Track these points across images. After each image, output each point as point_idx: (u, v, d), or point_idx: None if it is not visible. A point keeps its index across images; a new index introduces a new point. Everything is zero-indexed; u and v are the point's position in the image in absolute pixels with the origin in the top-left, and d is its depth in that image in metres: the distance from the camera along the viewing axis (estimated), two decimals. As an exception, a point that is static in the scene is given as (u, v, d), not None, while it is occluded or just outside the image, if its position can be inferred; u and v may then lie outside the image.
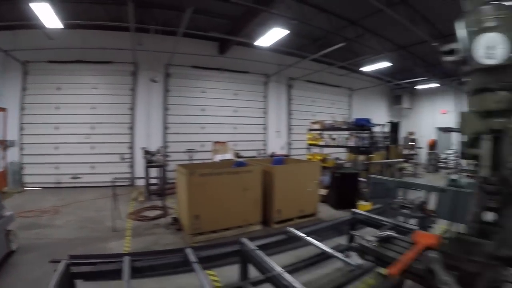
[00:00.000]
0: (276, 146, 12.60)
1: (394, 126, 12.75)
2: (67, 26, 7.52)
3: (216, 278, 3.41)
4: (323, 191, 7.28)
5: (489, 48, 1.43)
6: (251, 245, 2.69)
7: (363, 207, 5.64)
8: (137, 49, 9.16)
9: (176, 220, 5.55)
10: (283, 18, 7.61)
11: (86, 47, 9.08)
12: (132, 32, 7.81)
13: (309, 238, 2.96)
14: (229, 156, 9.74)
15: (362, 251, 2.28)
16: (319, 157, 9.01)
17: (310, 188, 5.94)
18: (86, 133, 9.56)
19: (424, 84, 14.97)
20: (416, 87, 15.85)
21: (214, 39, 10.35)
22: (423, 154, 15.50)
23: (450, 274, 1.45)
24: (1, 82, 8.83)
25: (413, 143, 15.85)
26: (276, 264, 2.30)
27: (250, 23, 8.54)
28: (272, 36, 8.08)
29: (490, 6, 1.48)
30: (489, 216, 1.80)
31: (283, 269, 2.17)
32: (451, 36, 2.03)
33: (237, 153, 10.57)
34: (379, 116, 16.77)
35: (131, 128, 10.04)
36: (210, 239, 4.77)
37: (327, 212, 6.46)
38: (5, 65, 8.76)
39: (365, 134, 8.08)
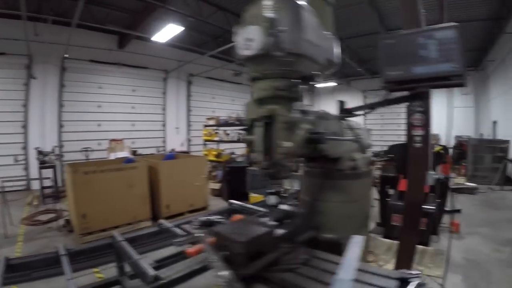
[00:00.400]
0: (176, 142, 13.10)
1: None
2: None
3: (100, 275, 3.50)
4: (217, 185, 8.35)
5: (247, 40, 1.51)
6: (120, 237, 2.71)
7: (254, 199, 6.42)
8: (31, 40, 8.35)
9: (68, 222, 5.71)
10: (180, 15, 8.08)
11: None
12: (24, 21, 7.10)
13: (176, 229, 2.97)
14: (125, 154, 10.08)
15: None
16: (214, 153, 9.68)
17: (198, 183, 6.72)
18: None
19: (324, 82, 17.29)
20: (316, 85, 18.13)
21: (114, 33, 10.20)
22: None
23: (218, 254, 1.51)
24: None
25: None
26: (135, 252, 2.33)
27: (148, 18, 8.85)
28: (168, 31, 8.55)
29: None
30: (272, 200, 1.92)
31: (140, 256, 2.25)
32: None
33: (134, 151, 10.94)
34: None
35: (25, 126, 9.31)
36: (100, 238, 4.79)
37: (219, 205, 6.91)
38: None
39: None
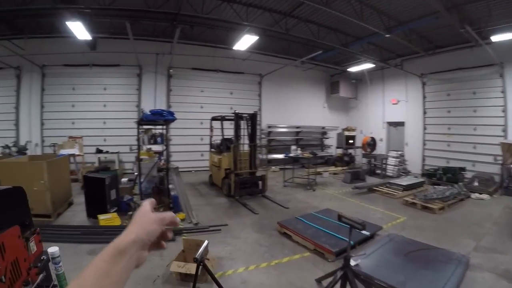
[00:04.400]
0: None
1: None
2: None
3: None
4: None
5: None
6: None
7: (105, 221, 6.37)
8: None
9: None
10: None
11: None
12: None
13: None
14: (74, 151, 11.19)
15: None
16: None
17: (37, 188, 6.85)
18: None
19: (358, 64, 13.78)
20: (349, 69, 14.67)
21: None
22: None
23: None
24: None
25: (352, 141, 14.97)
26: None
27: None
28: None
29: None
30: None
31: None
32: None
33: (97, 148, 11.94)
34: (312, 107, 16.18)
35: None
36: None
37: (75, 219, 7.06)
38: None
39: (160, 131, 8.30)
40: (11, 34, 10.71)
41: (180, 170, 12.87)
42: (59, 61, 12.02)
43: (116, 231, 6.23)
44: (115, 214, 6.86)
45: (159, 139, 8.23)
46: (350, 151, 15.14)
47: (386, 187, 9.67)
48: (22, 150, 10.40)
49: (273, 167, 14.07)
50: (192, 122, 13.53)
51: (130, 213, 7.06)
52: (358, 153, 15.18)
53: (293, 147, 11.10)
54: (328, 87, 17.04)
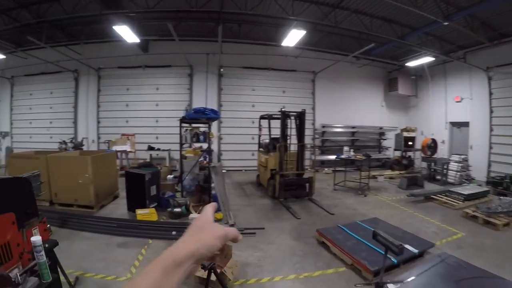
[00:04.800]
0: None
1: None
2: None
3: None
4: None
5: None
6: None
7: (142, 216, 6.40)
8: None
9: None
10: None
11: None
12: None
13: None
14: (126, 147, 11.68)
15: None
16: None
17: (82, 180, 7.18)
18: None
19: (417, 58, 12.21)
20: (407, 64, 13.04)
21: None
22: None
23: None
24: None
25: (411, 143, 13.38)
26: None
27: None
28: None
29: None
30: None
31: None
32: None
33: (149, 145, 12.35)
34: (368, 106, 14.95)
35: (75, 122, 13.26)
36: None
37: (116, 211, 7.24)
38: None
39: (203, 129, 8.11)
40: (67, 41, 11.71)
41: (230, 169, 12.94)
42: (113, 64, 12.86)
43: (150, 226, 6.09)
44: (153, 210, 6.77)
45: (201, 137, 8.04)
46: (409, 153, 13.64)
47: (445, 195, 8.25)
48: (78, 146, 11.21)
49: (325, 169, 13.13)
50: (244, 121, 13.32)
51: (169, 209, 6.97)
52: (418, 156, 13.48)
53: (346, 148, 10.05)
54: (386, 84, 15.49)
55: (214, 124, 13.04)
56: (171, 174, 9.86)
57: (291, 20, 9.11)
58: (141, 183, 7.06)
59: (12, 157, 7.93)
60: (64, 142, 11.08)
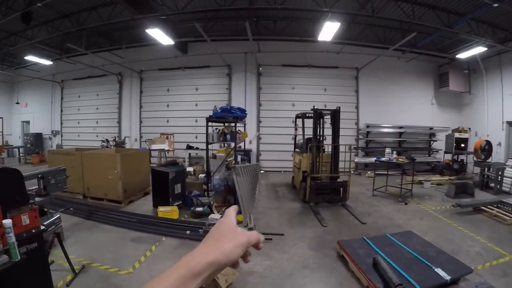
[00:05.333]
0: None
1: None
2: None
3: None
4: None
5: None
6: None
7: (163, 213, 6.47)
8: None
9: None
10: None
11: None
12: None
13: None
14: (164, 146, 11.98)
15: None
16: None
17: (111, 176, 7.47)
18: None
19: (467, 49, 10.60)
20: (458, 56, 11.34)
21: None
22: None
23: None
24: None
25: (463, 145, 11.75)
26: None
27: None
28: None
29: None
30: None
31: None
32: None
33: (188, 144, 12.56)
34: (417, 104, 13.54)
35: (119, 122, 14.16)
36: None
37: (142, 207, 7.36)
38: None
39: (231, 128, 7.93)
40: (109, 46, 12.47)
41: (269, 170, 12.78)
42: (154, 66, 13.48)
43: (167, 224, 5.99)
44: (175, 208, 6.73)
45: (228, 137, 7.84)
46: (461, 157, 11.93)
47: (497, 207, 6.82)
48: (119, 144, 11.86)
49: (368, 172, 12.11)
50: (283, 120, 12.91)
51: (192, 208, 6.89)
52: (471, 160, 11.70)
53: (387, 150, 9.01)
54: (436, 80, 13.73)
55: (253, 124, 12.96)
56: (202, 174, 9.84)
57: (325, 12, 8.51)
58: (165, 181, 7.10)
59: (51, 153, 8.62)
60: (107, 141, 11.80)
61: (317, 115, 8.08)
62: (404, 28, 10.12)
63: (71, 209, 6.97)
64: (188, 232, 5.56)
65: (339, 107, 8.09)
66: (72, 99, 15.52)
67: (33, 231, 3.00)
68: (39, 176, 5.47)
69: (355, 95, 13.32)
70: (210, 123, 7.80)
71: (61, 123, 15.85)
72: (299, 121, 9.60)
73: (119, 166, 7.40)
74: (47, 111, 16.27)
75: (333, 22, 8.21)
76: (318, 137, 8.24)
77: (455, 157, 11.81)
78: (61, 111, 15.84)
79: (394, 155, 8.64)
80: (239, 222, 6.23)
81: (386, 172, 9.11)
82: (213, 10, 9.03)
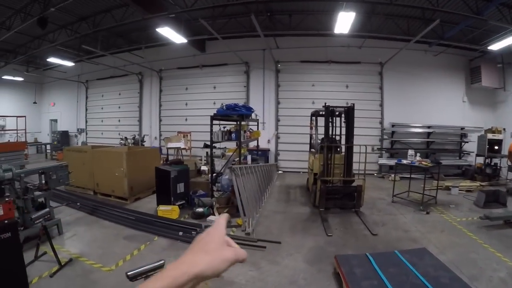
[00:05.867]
0: (262, 138, 12.54)
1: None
2: None
3: None
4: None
5: None
6: None
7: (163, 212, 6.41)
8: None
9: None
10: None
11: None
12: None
13: None
14: (180, 144, 12.04)
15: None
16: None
17: (118, 173, 7.56)
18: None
19: (500, 39, 9.44)
20: (490, 47, 10.12)
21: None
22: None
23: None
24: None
25: (497, 148, 10.60)
26: None
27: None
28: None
29: None
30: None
31: None
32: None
33: (205, 143, 12.53)
34: (447, 102, 12.44)
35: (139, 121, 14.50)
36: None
37: (147, 205, 7.37)
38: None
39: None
40: (128, 46, 12.80)
41: (287, 170, 12.50)
42: (173, 65, 13.74)
43: (163, 223, 5.87)
44: (175, 207, 6.65)
45: (233, 135, 7.65)
46: (494, 160, 10.68)
47: None
48: (138, 142, 12.17)
49: (391, 176, 11.31)
50: (303, 119, 12.30)
51: (194, 208, 6.78)
52: (505, 165, 10.39)
53: (410, 152, 8.25)
54: (467, 75, 12.46)
55: (271, 123, 12.69)
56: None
57: (339, 2, 8.01)
58: (167, 179, 7.05)
59: (66, 150, 9.07)
60: (125, 139, 12.15)
61: (329, 112, 7.59)
62: (427, 17, 9.26)
63: (78, 204, 7.20)
64: (180, 233, 5.43)
65: (353, 104, 7.57)
66: (96, 98, 16.39)
67: (6, 221, 3.32)
68: (40, 171, 5.67)
69: (379, 92, 12.49)
70: (218, 121, 7.69)
71: (86, 122, 16.76)
72: (314, 119, 9.12)
73: (125, 163, 7.51)
74: (73, 110, 17.34)
75: (348, 12, 7.71)
76: (331, 136, 7.77)
77: (488, 160, 10.62)
78: (86, 110, 16.78)
79: (417, 158, 7.89)
80: (237, 226, 5.99)
81: (410, 176, 8.41)
82: (221, 6, 8.86)
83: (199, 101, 13.68)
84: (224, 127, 8.18)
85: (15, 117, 14.90)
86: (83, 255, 4.57)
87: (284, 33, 11.23)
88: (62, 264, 4.15)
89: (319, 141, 8.43)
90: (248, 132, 9.07)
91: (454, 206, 7.52)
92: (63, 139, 16.35)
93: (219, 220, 0.69)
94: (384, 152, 12.17)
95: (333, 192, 7.27)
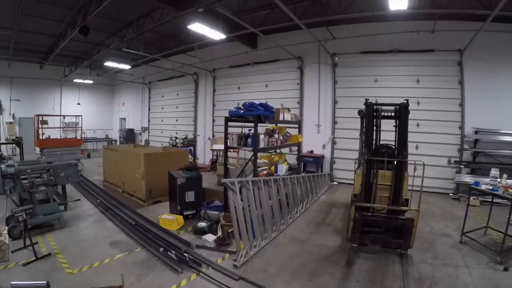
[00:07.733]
0: (316, 143, 11.64)
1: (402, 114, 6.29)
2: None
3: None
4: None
5: None
6: None
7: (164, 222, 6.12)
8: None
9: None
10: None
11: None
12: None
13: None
14: (222, 146, 11.99)
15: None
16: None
17: (137, 175, 7.66)
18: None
19: None
20: None
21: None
22: None
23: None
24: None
25: None
26: None
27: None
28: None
29: None
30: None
31: None
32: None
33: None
34: None
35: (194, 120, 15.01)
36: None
37: (161, 210, 7.11)
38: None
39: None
40: (178, 47, 12.94)
41: (342, 181, 11.09)
42: (226, 64, 13.76)
43: (155, 235, 5.50)
44: (180, 218, 6.30)
45: (249, 140, 6.95)
46: None
47: None
48: (188, 142, 12.66)
49: (472, 199, 8.72)
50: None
51: (198, 222, 6.16)
52: None
53: (493, 173, 5.94)
54: None
55: (328, 125, 11.55)
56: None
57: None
58: (174, 186, 6.79)
59: (105, 149, 9.91)
60: (175, 138, 12.76)
61: (371, 112, 5.91)
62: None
63: (98, 200, 7.63)
64: (161, 249, 5.05)
65: (407, 100, 5.84)
66: (157, 98, 17.96)
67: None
68: (47, 168, 6.11)
69: (459, 87, 9.66)
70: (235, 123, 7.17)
71: (149, 120, 18.43)
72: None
73: (143, 165, 7.60)
74: (138, 110, 19.34)
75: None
76: (382, 144, 6.07)
77: None
78: (149, 109, 18.53)
79: (504, 181, 5.63)
80: (233, 252, 5.11)
81: (491, 201, 6.06)
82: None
83: (250, 100, 13.32)
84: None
85: (78, 116, 16.27)
86: (63, 252, 4.80)
87: (336, 18, 9.44)
88: (38, 257, 4.48)
89: (360, 151, 6.97)
90: (282, 137, 8.24)
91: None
92: (128, 136, 18.49)
93: None
94: (463, 166, 9.52)
95: (372, 223, 5.73)
